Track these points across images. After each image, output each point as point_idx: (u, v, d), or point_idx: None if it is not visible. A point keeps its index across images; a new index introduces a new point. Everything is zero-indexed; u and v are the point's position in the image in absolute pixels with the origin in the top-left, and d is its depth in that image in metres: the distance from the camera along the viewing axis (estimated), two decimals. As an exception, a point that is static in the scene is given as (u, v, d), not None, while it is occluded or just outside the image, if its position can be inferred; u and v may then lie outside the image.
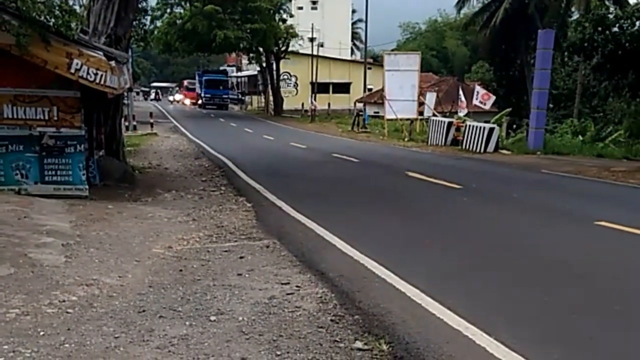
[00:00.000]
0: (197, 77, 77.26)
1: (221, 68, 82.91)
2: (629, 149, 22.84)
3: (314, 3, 79.61)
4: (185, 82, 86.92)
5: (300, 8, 70.29)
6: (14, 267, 6.39)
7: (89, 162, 11.62)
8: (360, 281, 6.45)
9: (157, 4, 49.35)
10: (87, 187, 10.83)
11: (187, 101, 78.34)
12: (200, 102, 69.50)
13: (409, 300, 5.84)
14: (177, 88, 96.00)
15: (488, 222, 10.20)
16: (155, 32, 48.59)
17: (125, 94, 19.52)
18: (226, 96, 68.47)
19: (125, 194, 11.72)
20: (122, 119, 15.49)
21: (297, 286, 6.28)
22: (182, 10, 50.22)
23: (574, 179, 15.99)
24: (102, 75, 10.15)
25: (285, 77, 63.75)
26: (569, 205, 11.86)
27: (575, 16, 38.15)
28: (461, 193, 13.02)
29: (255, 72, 69.18)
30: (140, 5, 16.06)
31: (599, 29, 23.90)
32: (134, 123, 31.89)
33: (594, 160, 21.18)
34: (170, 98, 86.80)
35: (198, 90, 73.40)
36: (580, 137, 27.20)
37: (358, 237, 8.46)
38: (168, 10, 51.09)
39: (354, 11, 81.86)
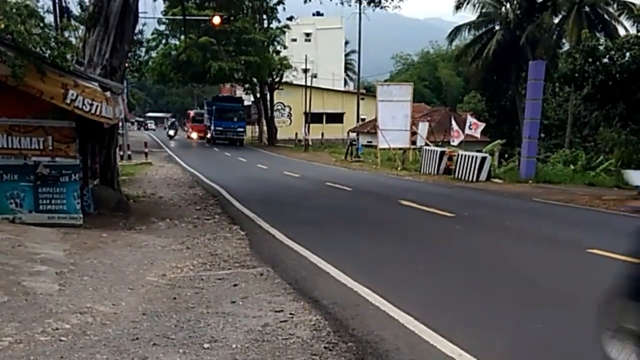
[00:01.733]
0: (205, 106, 65.04)
1: (232, 94, 69.66)
2: (620, 178, 22.92)
3: (307, 35, 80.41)
4: (192, 113, 72.82)
5: (294, 40, 70.86)
6: (8, 295, 6.40)
7: (84, 190, 11.66)
8: (354, 308, 6.47)
9: (152, 35, 49.80)
10: (81, 215, 10.87)
11: (194, 135, 65.80)
12: (209, 135, 57.46)
13: (403, 327, 5.86)
14: (173, 120, 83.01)
15: (481, 250, 10.24)
16: (150, 63, 49.03)
17: (120, 123, 19.61)
18: (242, 129, 55.68)
19: (119, 223, 11.74)
20: (117, 149, 15.53)
21: (290, 314, 6.30)
22: (176, 42, 50.65)
23: (566, 208, 16.07)
24: (97, 106, 10.28)
25: (279, 107, 64.20)
26: (560, 233, 11.91)
27: (566, 48, 38.59)
28: (454, 221, 13.08)
29: (250, 103, 69.23)
30: (135, 37, 16.21)
31: (590, 60, 24.17)
32: (129, 152, 32.01)
33: (586, 188, 21.26)
34: (171, 132, 69.08)
35: (207, 122, 60.33)
36: (572, 166, 27.34)
37: (351, 264, 8.48)
38: (163, 42, 51.58)
39: (347, 43, 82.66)
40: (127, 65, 15.11)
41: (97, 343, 5.36)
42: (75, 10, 18.00)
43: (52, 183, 10.66)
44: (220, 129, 53.84)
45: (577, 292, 7.46)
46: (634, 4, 37.16)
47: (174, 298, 6.85)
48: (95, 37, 12.71)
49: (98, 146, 12.85)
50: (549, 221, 13.83)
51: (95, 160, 12.68)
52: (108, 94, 10.72)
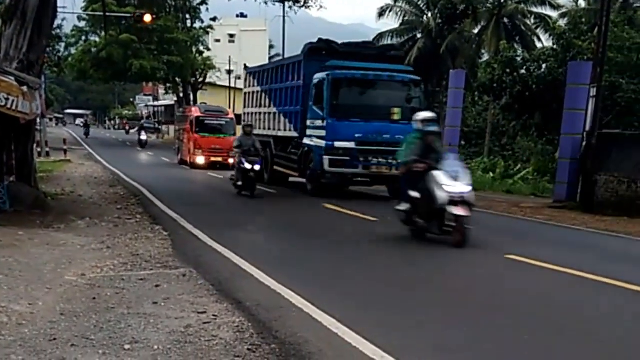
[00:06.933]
0: (255, 84, 23.47)
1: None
2: (537, 186, 23.76)
3: (231, 37, 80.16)
4: (195, 110, 32.34)
5: (218, 41, 70.36)
6: None
7: (-1, 187, 11.26)
8: (278, 310, 6.47)
9: (72, 31, 48.45)
10: (-5, 213, 10.49)
11: (201, 159, 29.19)
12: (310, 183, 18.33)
13: (326, 330, 5.89)
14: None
15: (403, 254, 10.42)
16: (70, 59, 47.69)
17: (38, 119, 19.03)
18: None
19: (36, 221, 11.37)
20: (35, 145, 15.04)
21: (213, 315, 6.24)
22: (97, 39, 49.39)
23: (485, 214, 16.41)
24: (13, 101, 10.01)
25: (203, 107, 63.22)
26: (480, 238, 12.16)
27: (486, 58, 39.77)
28: (377, 225, 13.24)
29: (173, 102, 68.10)
30: (54, 32, 15.76)
31: (508, 70, 25.01)
32: (47, 149, 31.08)
33: (504, 196, 21.88)
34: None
35: (289, 125, 19.66)
36: (491, 174, 28.15)
37: (275, 266, 8.49)
38: (83, 38, 50.18)
39: (271, 47, 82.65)
40: (45, 60, 14.67)
41: (12, 343, 5.18)
42: (-8, 1, 17.37)
43: (-36, 179, 10.26)
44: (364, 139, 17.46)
45: (497, 297, 7.69)
46: (550, 17, 38.65)
47: (94, 298, 6.68)
48: (12, 31, 12.31)
49: (14, 142, 12.43)
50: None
51: (11, 156, 12.27)
52: (25, 88, 10.42)
